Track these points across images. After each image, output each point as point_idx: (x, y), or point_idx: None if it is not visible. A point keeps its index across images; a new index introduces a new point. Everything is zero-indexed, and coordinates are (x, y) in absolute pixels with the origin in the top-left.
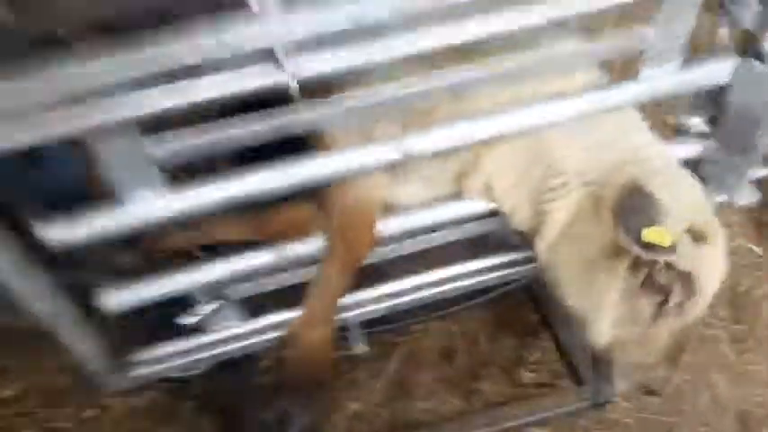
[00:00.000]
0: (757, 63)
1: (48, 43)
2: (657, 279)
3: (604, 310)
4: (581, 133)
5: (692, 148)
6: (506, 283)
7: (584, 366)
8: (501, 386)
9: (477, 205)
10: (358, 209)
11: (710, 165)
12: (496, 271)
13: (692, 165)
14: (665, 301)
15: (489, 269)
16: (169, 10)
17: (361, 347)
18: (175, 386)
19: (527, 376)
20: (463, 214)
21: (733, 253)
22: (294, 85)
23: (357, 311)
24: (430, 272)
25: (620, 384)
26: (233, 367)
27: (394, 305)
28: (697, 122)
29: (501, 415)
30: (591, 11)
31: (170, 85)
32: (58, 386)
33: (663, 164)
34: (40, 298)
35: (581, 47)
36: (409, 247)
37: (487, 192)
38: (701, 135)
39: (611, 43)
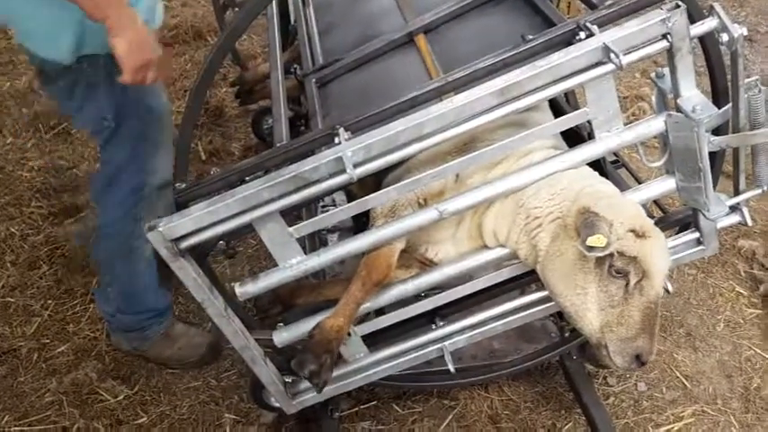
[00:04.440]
0: (678, 114)
1: None
2: (616, 264)
3: (589, 302)
4: (548, 186)
5: (669, 183)
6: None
7: None
8: None
9: (496, 252)
10: (381, 251)
11: (684, 192)
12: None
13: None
14: (627, 284)
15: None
16: None
17: None
18: (275, 420)
19: None
20: (490, 259)
21: (747, 360)
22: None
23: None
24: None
25: (617, 360)
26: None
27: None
28: (659, 163)
29: None
30: None
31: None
32: (182, 416)
33: (605, 193)
34: (236, 336)
35: (545, 125)
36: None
37: (495, 239)
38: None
39: (564, 120)
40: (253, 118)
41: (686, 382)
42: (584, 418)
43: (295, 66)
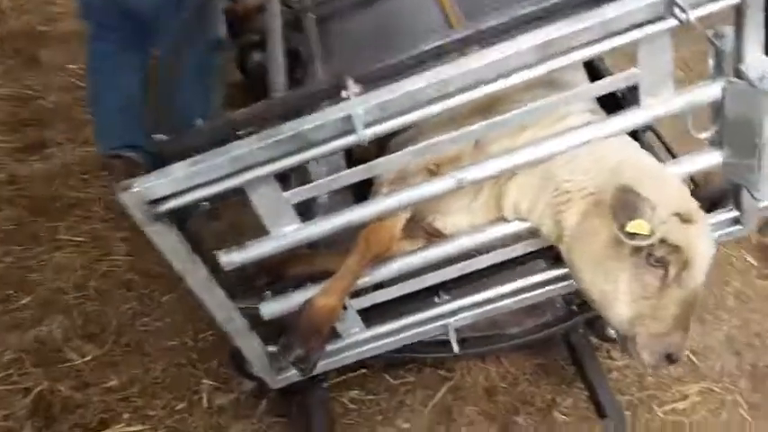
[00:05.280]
0: (741, 81)
1: None
2: (655, 253)
3: (620, 291)
4: (582, 156)
5: (714, 156)
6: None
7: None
8: (536, 423)
9: (515, 225)
10: (384, 221)
11: (730, 168)
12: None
13: None
14: (666, 275)
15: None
16: None
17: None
18: (257, 389)
19: (560, 418)
20: (507, 233)
21: (756, 335)
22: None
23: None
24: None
25: (645, 356)
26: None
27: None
28: (706, 135)
29: None
30: None
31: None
32: (156, 380)
33: (649, 168)
34: (219, 308)
35: (588, 85)
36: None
37: (516, 211)
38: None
39: (611, 81)
40: (238, 53)
41: (693, 358)
42: (585, 393)
43: None
